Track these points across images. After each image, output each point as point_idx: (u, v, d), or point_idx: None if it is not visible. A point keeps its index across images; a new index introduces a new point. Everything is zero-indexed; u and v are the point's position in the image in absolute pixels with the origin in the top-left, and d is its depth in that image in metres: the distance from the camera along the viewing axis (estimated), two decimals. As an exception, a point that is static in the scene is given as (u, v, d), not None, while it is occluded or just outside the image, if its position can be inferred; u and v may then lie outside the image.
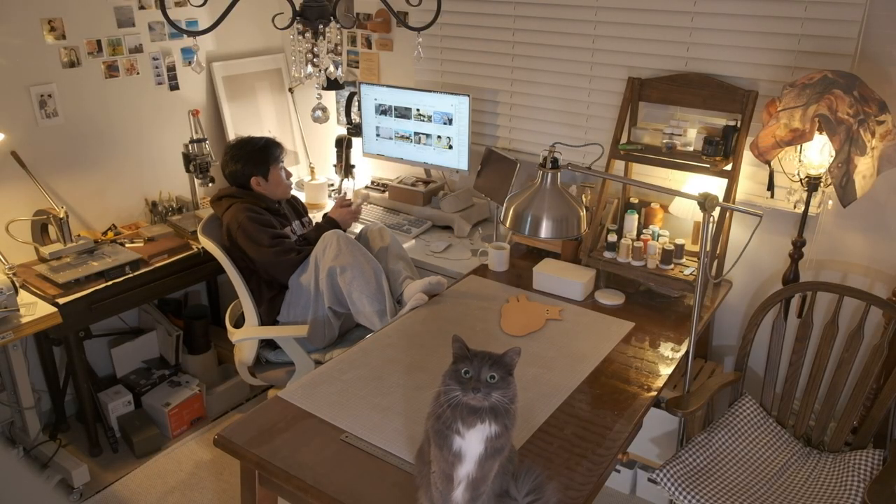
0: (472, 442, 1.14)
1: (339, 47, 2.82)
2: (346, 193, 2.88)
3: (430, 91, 2.88)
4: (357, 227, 2.79)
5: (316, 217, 2.87)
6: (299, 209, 2.67)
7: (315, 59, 1.68)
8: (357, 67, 3.23)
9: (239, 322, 2.56)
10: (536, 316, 2.11)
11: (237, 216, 2.36)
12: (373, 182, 3.20)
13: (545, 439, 1.56)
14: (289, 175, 2.52)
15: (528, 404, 1.66)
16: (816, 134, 1.92)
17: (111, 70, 2.79)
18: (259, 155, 2.45)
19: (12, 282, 2.29)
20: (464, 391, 1.13)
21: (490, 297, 2.21)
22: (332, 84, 2.94)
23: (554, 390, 1.72)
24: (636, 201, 2.47)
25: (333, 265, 2.26)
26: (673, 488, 1.84)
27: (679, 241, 2.29)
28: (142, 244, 2.73)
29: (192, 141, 2.91)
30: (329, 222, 2.51)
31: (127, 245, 2.72)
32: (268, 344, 2.50)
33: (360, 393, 1.68)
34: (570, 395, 1.69)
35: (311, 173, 3.32)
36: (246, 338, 2.41)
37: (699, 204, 1.75)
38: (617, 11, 2.50)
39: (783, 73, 2.25)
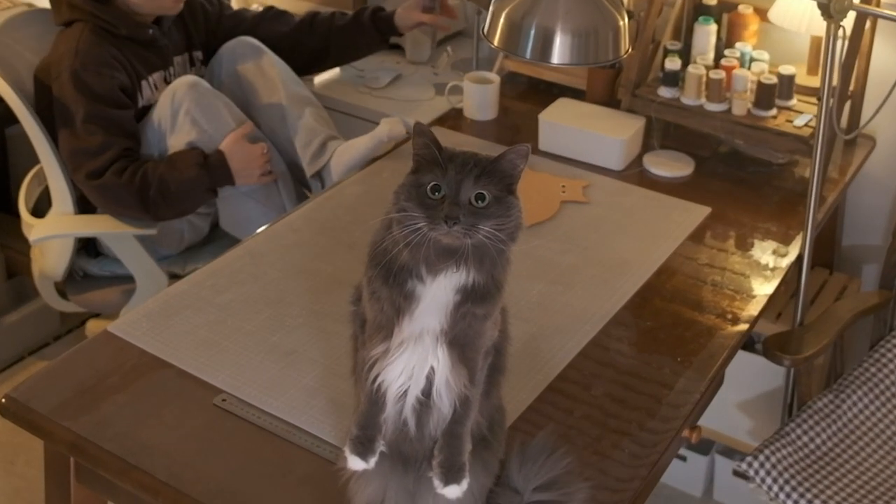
0: (439, 289, 1.02)
1: None
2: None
3: None
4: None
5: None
6: (191, 33, 2.14)
7: None
8: None
9: (41, 207, 2.18)
10: (545, 196, 1.91)
11: (62, 62, 1.93)
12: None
13: (560, 404, 1.44)
14: None
15: (531, 345, 1.54)
16: None
17: None
18: None
19: None
20: (431, 221, 0.98)
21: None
22: None
23: (575, 322, 1.60)
24: (714, 2, 2.10)
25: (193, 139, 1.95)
26: (776, 486, 1.67)
27: (787, 69, 1.99)
28: None
29: None
30: (217, 166, 1.97)
31: None
32: (90, 246, 2.15)
33: (247, 327, 1.55)
34: (603, 329, 1.58)
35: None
36: (53, 234, 2.07)
37: (821, 6, 1.61)
38: None
39: None
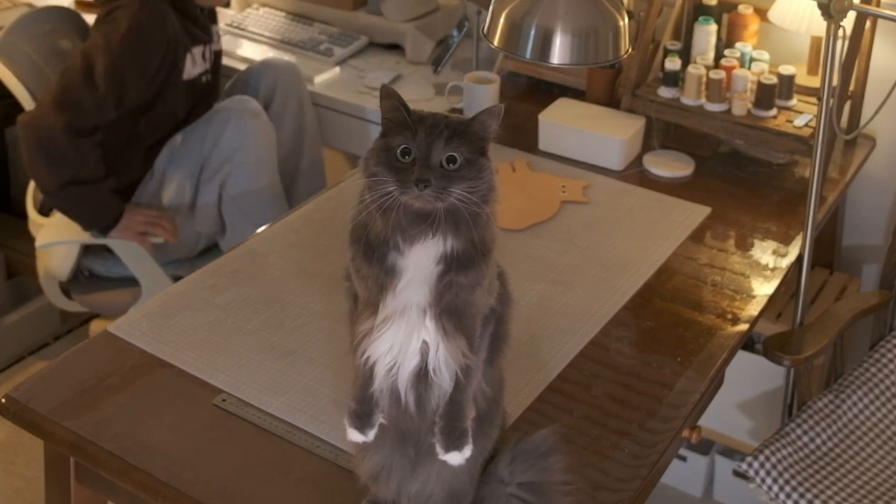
0: (419, 260, 1.01)
1: None
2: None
3: None
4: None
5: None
6: (214, 31, 2.20)
7: None
8: None
9: (47, 207, 2.19)
10: (545, 196, 1.91)
11: (132, 6, 1.91)
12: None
13: (559, 404, 1.44)
14: None
15: (531, 345, 1.54)
16: None
17: None
18: None
19: None
20: (402, 185, 0.98)
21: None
22: None
23: (575, 322, 1.61)
24: (714, 2, 2.10)
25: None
26: (776, 486, 1.69)
27: (787, 69, 1.99)
28: None
29: None
30: (113, 209, 2.01)
31: None
32: (94, 247, 2.15)
33: (248, 327, 1.56)
34: (603, 329, 1.59)
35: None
36: (59, 241, 2.09)
37: (821, 6, 1.61)
38: None
39: None
